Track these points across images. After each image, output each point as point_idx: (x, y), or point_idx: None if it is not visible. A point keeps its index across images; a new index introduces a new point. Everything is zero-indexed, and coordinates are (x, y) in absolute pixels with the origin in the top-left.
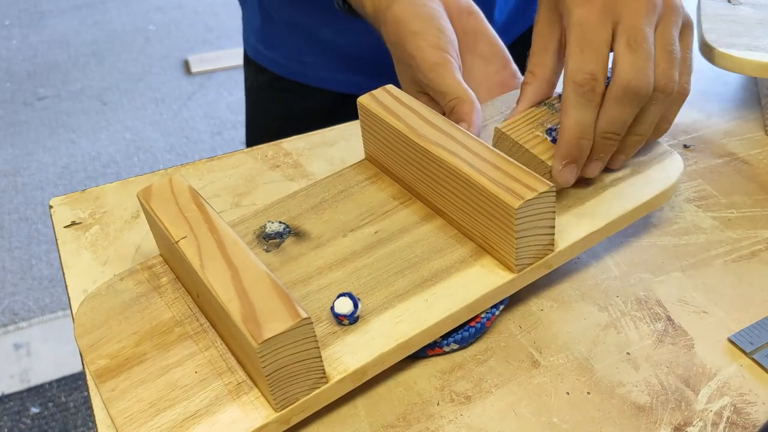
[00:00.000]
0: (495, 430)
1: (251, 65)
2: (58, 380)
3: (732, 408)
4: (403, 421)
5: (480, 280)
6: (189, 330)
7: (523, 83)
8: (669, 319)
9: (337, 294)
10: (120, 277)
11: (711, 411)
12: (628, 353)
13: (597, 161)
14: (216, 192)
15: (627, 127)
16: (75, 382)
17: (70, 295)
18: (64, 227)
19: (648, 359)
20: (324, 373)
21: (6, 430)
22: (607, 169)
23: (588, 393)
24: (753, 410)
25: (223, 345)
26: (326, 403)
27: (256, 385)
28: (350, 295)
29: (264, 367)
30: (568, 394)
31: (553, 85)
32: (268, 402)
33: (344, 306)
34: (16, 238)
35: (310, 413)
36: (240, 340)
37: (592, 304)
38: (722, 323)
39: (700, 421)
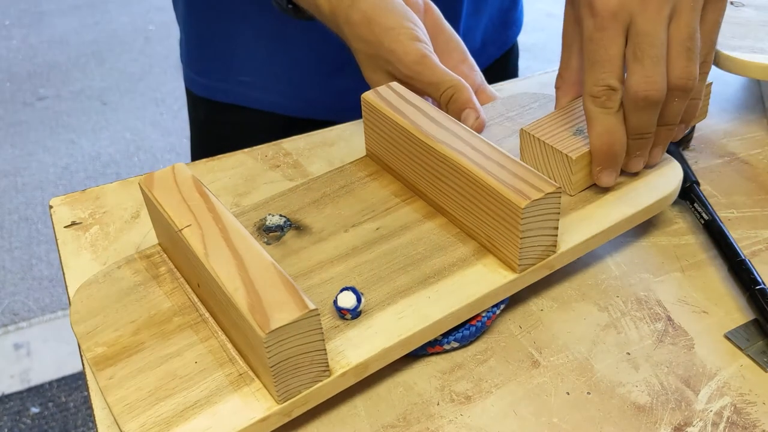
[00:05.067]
0: (495, 430)
1: (188, 96)
2: (58, 380)
3: (732, 408)
4: (403, 421)
5: (482, 279)
6: (189, 320)
7: (556, 87)
8: (669, 319)
9: (340, 288)
10: (117, 265)
11: (711, 411)
12: (628, 353)
13: (636, 158)
14: (216, 192)
15: (653, 125)
16: (75, 382)
17: (70, 295)
18: (64, 227)
19: (648, 359)
20: (327, 366)
21: (6, 430)
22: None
23: (588, 393)
24: (753, 410)
25: (224, 335)
26: (328, 397)
27: (258, 377)
28: (353, 290)
29: (269, 357)
30: (568, 394)
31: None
32: (270, 394)
33: (348, 300)
34: (16, 238)
35: (312, 406)
36: (245, 330)
37: (592, 304)
38: (722, 323)
39: (700, 421)
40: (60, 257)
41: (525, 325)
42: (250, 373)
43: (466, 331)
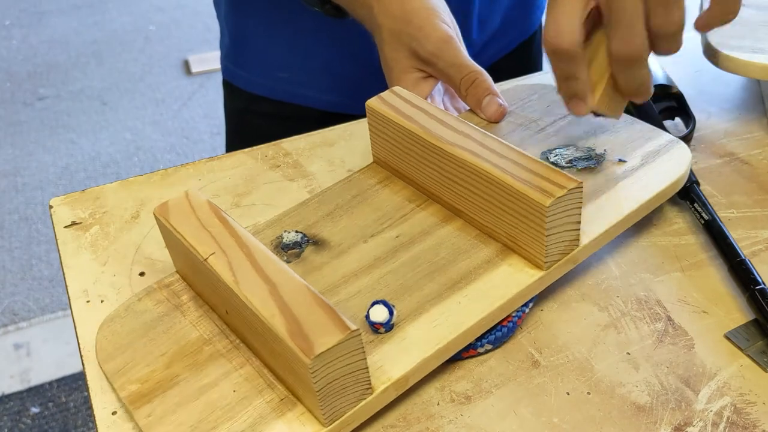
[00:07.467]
0: (495, 430)
1: (226, 86)
2: (58, 380)
3: (732, 408)
4: (403, 421)
5: (510, 279)
6: (220, 348)
7: None
8: (669, 319)
9: (371, 302)
10: (138, 297)
11: (711, 411)
12: (628, 353)
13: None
14: (216, 192)
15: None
16: (75, 382)
17: (70, 295)
18: (64, 227)
19: (648, 359)
20: (370, 384)
21: (6, 430)
22: (621, 161)
23: (588, 393)
24: (753, 410)
25: (258, 361)
26: (371, 414)
27: (300, 400)
28: (385, 303)
29: (315, 382)
30: (568, 394)
31: None
32: (315, 417)
33: (380, 314)
34: (16, 238)
35: (356, 425)
36: (286, 357)
37: (592, 304)
38: (722, 323)
39: (700, 421)
40: (60, 257)
41: (525, 325)
42: (292, 397)
43: (498, 332)
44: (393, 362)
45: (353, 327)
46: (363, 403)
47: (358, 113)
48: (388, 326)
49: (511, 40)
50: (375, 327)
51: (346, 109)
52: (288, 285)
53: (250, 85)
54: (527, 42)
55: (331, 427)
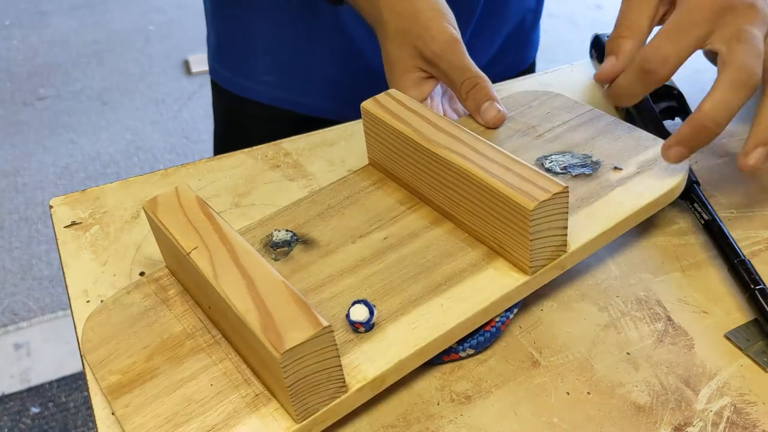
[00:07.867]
0: (495, 430)
1: (213, 87)
2: (58, 380)
3: (732, 408)
4: (403, 421)
5: (494, 283)
6: (201, 342)
7: (617, 39)
8: (669, 319)
9: (352, 301)
10: (126, 290)
11: (711, 411)
12: (628, 353)
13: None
14: (216, 192)
15: (733, 115)
16: (75, 382)
17: (70, 295)
18: (64, 227)
19: (648, 359)
20: (344, 382)
21: (6, 430)
22: (616, 168)
23: (588, 393)
24: (753, 410)
25: (238, 357)
26: (346, 413)
27: (275, 397)
28: (366, 302)
29: (286, 377)
30: (568, 394)
31: (642, 46)
32: (288, 413)
33: (360, 313)
34: (16, 238)
35: (330, 424)
36: (259, 351)
37: (592, 304)
38: (722, 323)
39: (700, 421)
40: (60, 257)
41: (525, 325)
42: (267, 393)
43: (480, 337)
44: (370, 362)
45: (325, 323)
46: (337, 401)
47: (342, 118)
48: (367, 326)
49: (499, 74)
50: (355, 326)
51: (328, 114)
52: (265, 281)
53: (235, 86)
54: (519, 75)
55: (303, 423)
